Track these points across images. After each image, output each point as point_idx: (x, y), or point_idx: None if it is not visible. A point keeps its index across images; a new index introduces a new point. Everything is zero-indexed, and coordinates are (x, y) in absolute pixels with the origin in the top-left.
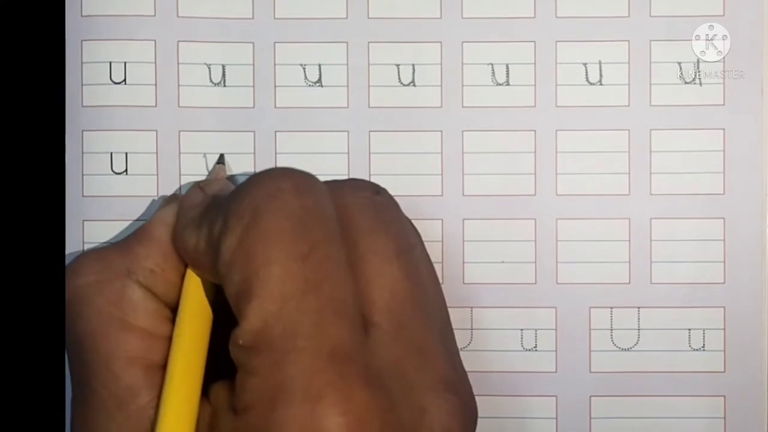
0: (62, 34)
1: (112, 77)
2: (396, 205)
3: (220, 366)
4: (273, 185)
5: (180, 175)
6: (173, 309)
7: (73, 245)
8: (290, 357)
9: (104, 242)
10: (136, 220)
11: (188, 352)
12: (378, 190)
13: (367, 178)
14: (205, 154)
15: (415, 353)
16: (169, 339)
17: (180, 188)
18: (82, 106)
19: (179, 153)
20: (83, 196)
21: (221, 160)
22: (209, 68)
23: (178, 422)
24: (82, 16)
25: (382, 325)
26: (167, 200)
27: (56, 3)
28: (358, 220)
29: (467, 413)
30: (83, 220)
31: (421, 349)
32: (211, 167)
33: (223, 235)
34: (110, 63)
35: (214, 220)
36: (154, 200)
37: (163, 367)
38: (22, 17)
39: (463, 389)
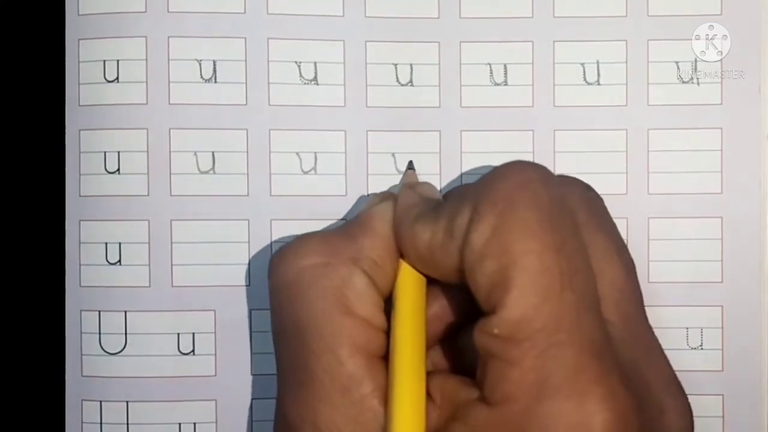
0: (62, 33)
1: (106, 75)
2: (604, 201)
3: None
4: (523, 176)
5: (170, 174)
6: (386, 302)
7: (71, 246)
8: (553, 351)
9: (99, 242)
10: (131, 220)
11: (414, 346)
12: (589, 187)
13: (364, 179)
14: (195, 153)
15: (645, 352)
16: (383, 331)
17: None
18: (80, 106)
19: (170, 151)
20: (80, 195)
21: (411, 165)
22: (200, 64)
23: (412, 416)
24: (79, 14)
25: (615, 323)
26: (381, 197)
27: (56, 2)
28: (576, 215)
29: (691, 414)
30: (80, 220)
31: (649, 347)
32: (204, 166)
33: (474, 223)
34: (104, 61)
35: (457, 210)
36: (145, 199)
37: (381, 358)
38: (23, 17)
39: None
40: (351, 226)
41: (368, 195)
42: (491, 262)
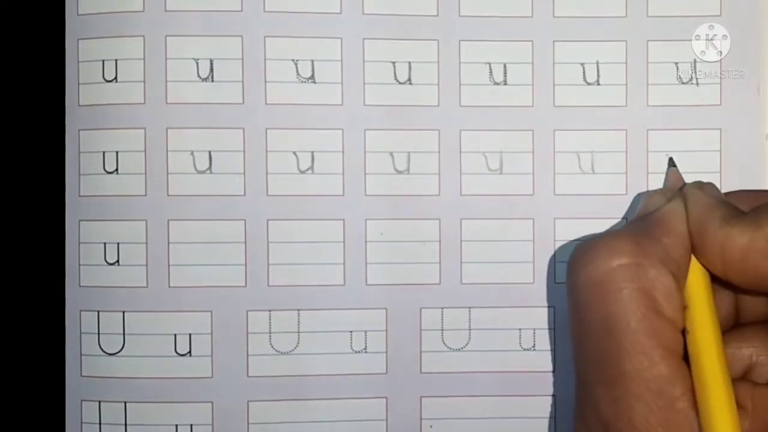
0: (62, 33)
1: (105, 75)
2: None
3: None
4: None
5: (167, 174)
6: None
7: (70, 246)
8: None
9: (98, 242)
10: (129, 220)
11: (719, 350)
12: None
13: (361, 178)
14: (192, 152)
15: None
16: (682, 332)
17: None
18: (79, 106)
19: (167, 151)
20: (80, 195)
21: (673, 163)
22: (197, 63)
23: (730, 425)
24: (78, 14)
25: None
26: (665, 196)
27: (55, 2)
28: None
29: None
30: (79, 220)
31: None
32: (201, 165)
33: None
34: (103, 61)
35: None
36: (143, 199)
37: (685, 359)
38: (22, 17)
39: None
40: (648, 225)
41: (646, 192)
42: None
